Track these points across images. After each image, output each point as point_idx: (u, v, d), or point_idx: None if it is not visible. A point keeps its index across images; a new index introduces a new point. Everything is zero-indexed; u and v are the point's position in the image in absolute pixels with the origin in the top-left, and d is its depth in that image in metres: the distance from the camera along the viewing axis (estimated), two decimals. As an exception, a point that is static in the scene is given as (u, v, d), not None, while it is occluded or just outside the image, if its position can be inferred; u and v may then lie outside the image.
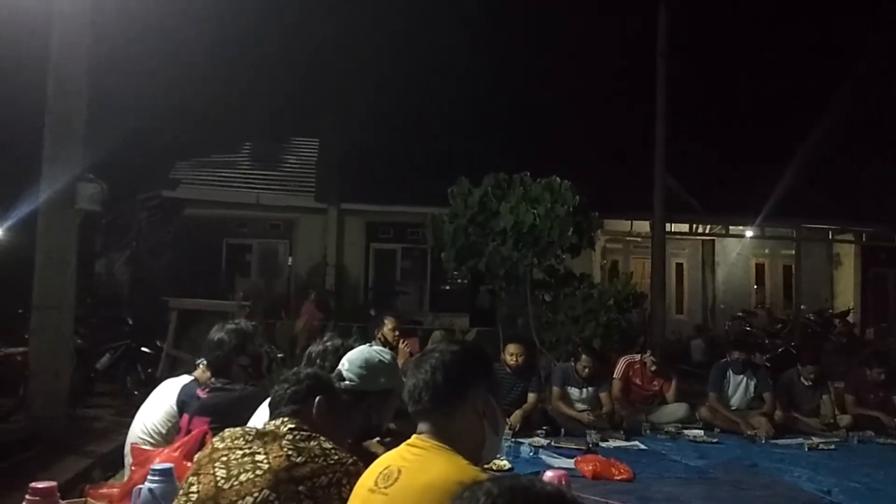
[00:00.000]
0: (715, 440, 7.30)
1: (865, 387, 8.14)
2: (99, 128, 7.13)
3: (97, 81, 6.93)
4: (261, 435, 2.23)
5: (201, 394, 3.67)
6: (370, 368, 2.84)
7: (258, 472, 2.09)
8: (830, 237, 17.26)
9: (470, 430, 1.95)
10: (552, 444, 6.72)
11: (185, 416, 3.58)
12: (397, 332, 7.33)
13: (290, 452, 2.14)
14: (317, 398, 2.37)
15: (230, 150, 16.26)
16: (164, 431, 3.83)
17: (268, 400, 2.73)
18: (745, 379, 8.05)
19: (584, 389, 7.71)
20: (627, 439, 7.11)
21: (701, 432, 7.52)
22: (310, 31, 15.45)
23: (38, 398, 6.15)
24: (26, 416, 6.22)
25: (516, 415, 7.11)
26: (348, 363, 2.84)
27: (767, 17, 17.20)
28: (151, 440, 3.78)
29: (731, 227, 16.80)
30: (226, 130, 15.58)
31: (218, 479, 2.12)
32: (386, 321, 7.48)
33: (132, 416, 4.99)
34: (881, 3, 16.88)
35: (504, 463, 5.76)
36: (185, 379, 3.99)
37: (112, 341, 8.94)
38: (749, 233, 16.70)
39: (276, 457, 2.13)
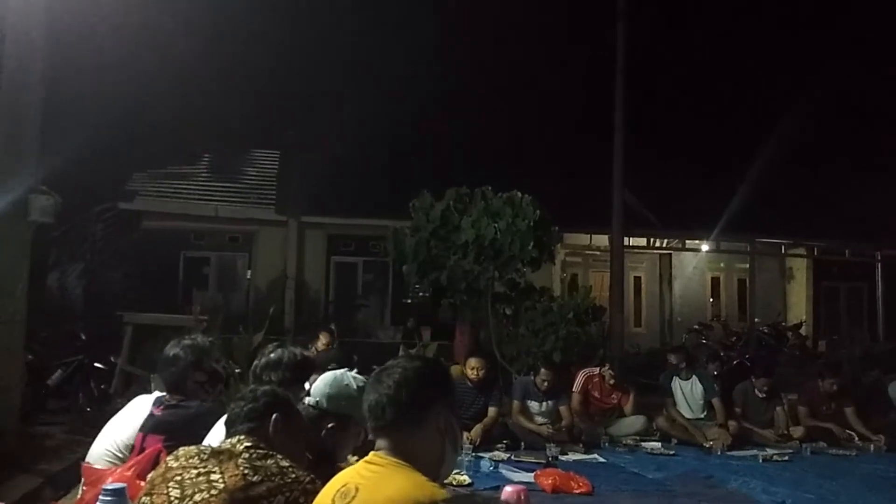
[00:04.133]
0: (672, 452, 7.40)
1: (818, 399, 8.34)
2: (53, 138, 7.00)
3: (52, 91, 6.81)
4: (216, 453, 2.19)
5: (156, 411, 3.59)
6: (336, 388, 2.80)
7: (213, 491, 2.06)
8: (783, 251, 17.65)
9: (431, 446, 1.94)
10: (512, 458, 6.75)
11: (140, 435, 3.50)
12: (332, 348, 7.32)
13: (246, 471, 2.11)
14: (273, 416, 2.35)
15: (188, 162, 16.02)
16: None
17: (224, 417, 2.70)
18: (691, 385, 8.25)
19: (544, 403, 7.76)
20: (586, 452, 7.18)
21: (658, 444, 7.62)
22: (271, 42, 15.37)
23: (-14, 415, 5.98)
24: (-26, 434, 6.04)
25: (476, 429, 7.13)
26: (318, 379, 2.85)
27: (722, 35, 17.60)
28: (121, 455, 3.64)
29: (687, 242, 17.09)
30: (184, 141, 15.36)
31: (172, 499, 2.08)
32: (320, 336, 7.53)
33: (85, 434, 4.83)
34: (834, 25, 17.40)
35: (464, 477, 5.76)
36: (158, 395, 3.87)
37: (64, 357, 8.73)
38: (705, 247, 17.00)
39: (231, 476, 2.09)
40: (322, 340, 7.77)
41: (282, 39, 15.48)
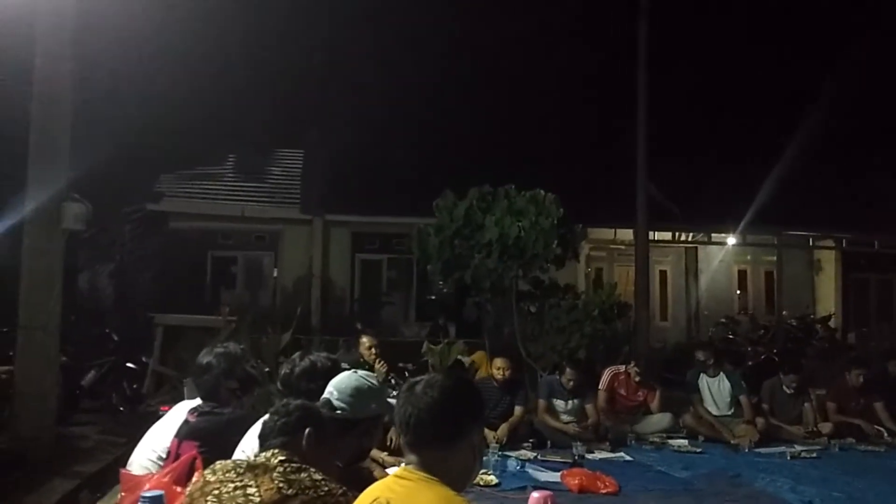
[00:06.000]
0: (699, 450, 7.39)
1: (846, 394, 8.28)
2: (82, 142, 7.13)
3: (80, 94, 6.93)
4: (251, 467, 2.26)
5: (190, 418, 3.66)
6: (360, 395, 2.81)
7: (250, 505, 2.13)
8: (811, 243, 17.44)
9: (462, 463, 1.99)
10: (539, 457, 6.78)
11: (175, 441, 3.57)
12: (374, 352, 7.24)
13: (280, 485, 2.17)
14: (306, 430, 2.41)
15: (214, 163, 16.20)
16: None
17: (257, 423, 2.76)
18: (718, 382, 8.22)
19: (570, 401, 7.79)
20: (613, 450, 7.20)
21: (685, 442, 7.62)
22: (294, 42, 15.47)
23: (24, 419, 6.14)
24: (12, 437, 6.19)
25: (503, 428, 7.17)
26: (337, 392, 2.79)
27: (746, 26, 17.40)
28: (159, 462, 3.69)
29: (713, 235, 16.94)
30: (210, 142, 15.53)
31: (210, 512, 2.15)
32: (363, 339, 7.39)
33: (118, 434, 4.89)
34: (858, 14, 17.13)
35: (491, 477, 5.81)
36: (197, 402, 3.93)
37: (97, 357, 8.91)
38: (731, 240, 16.84)
39: (267, 489, 2.16)
40: (366, 344, 7.33)
41: (304, 39, 15.58)
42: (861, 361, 8.64)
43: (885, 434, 7.92)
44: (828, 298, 17.31)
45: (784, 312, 16.00)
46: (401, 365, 8.91)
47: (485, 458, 6.11)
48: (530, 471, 6.25)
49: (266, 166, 16.59)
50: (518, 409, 7.45)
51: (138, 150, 13.51)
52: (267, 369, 8.13)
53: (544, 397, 7.81)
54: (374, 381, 2.98)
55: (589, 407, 7.78)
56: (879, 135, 17.09)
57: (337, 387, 2.84)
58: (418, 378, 2.10)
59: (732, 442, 7.53)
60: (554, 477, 5.92)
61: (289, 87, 16.08)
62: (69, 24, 6.42)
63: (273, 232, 15.62)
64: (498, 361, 7.59)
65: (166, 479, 3.30)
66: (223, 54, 13.87)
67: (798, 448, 7.38)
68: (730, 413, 8.10)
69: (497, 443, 6.83)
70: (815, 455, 7.20)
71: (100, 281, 13.61)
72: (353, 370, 3.03)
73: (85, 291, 13.03)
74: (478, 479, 5.54)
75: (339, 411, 2.75)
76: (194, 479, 2.43)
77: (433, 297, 14.93)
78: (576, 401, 7.79)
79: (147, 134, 13.31)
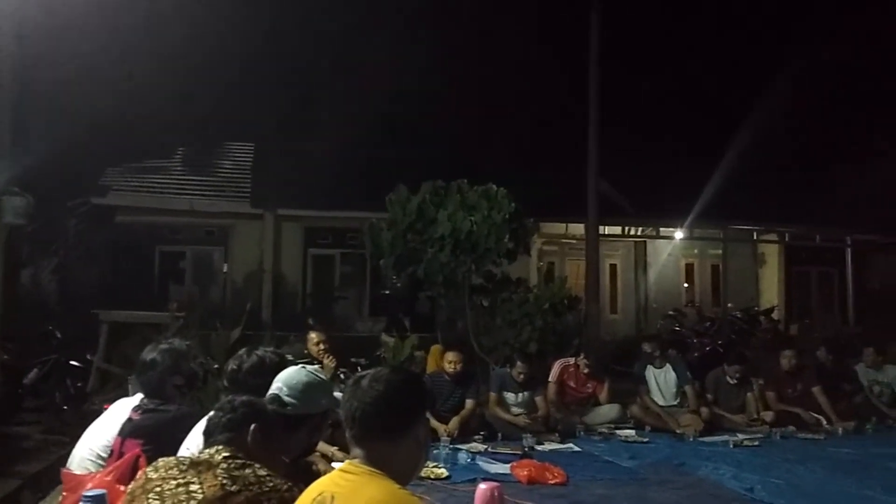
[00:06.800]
0: (646, 440, 7.55)
1: (784, 381, 8.56)
2: (25, 134, 6.94)
3: (23, 86, 6.74)
4: (195, 464, 2.23)
5: (134, 416, 3.60)
6: (310, 390, 2.79)
7: (193, 502, 2.10)
8: (755, 237, 17.91)
9: (408, 457, 2.01)
10: (489, 449, 6.84)
11: (118, 439, 3.51)
12: (322, 347, 7.19)
13: (224, 481, 2.15)
14: (252, 426, 2.40)
15: (162, 156, 15.92)
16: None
17: (202, 421, 2.73)
18: (665, 373, 8.40)
19: (521, 394, 7.88)
20: (562, 442, 7.29)
21: (632, 432, 7.77)
22: (244, 33, 15.26)
23: (-37, 419, 5.96)
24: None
25: (454, 421, 7.22)
26: (287, 388, 2.76)
27: (696, 24, 17.75)
28: (100, 461, 3.63)
29: (661, 229, 17.27)
30: (158, 135, 15.25)
31: (152, 510, 2.13)
32: (311, 335, 7.31)
33: (62, 433, 4.78)
34: (805, 14, 17.61)
35: (442, 471, 5.83)
36: (137, 399, 3.87)
37: (40, 355, 8.67)
38: (679, 234, 17.19)
39: (210, 486, 2.14)
40: (313, 339, 7.21)
41: (255, 31, 15.38)
42: (791, 345, 8.90)
43: (824, 422, 8.19)
44: (771, 291, 17.81)
45: (729, 305, 16.39)
46: (353, 360, 8.89)
47: (436, 452, 6.14)
48: (481, 463, 6.29)
49: (215, 160, 16.36)
50: (469, 403, 7.50)
51: (84, 143, 13.18)
52: (216, 365, 8.03)
53: (495, 390, 7.88)
54: (323, 376, 2.98)
55: (539, 399, 7.87)
56: (821, 132, 17.62)
57: (286, 382, 2.81)
58: (364, 372, 2.10)
59: (678, 431, 7.71)
60: (504, 469, 5.97)
61: (239, 80, 15.88)
62: (12, 13, 6.23)
63: (223, 226, 15.42)
64: (450, 355, 7.63)
65: (109, 478, 3.25)
66: (171, 45, 13.61)
67: (741, 437, 7.58)
68: (675, 403, 8.30)
69: (448, 436, 6.87)
70: (757, 443, 7.39)
71: (43, 277, 13.25)
72: (301, 365, 3.02)
73: (28, 287, 12.66)
74: (428, 472, 5.58)
75: (289, 407, 2.73)
76: (137, 476, 2.40)
77: (387, 292, 14.91)
78: (526, 393, 7.88)
79: (93, 126, 12.99)
